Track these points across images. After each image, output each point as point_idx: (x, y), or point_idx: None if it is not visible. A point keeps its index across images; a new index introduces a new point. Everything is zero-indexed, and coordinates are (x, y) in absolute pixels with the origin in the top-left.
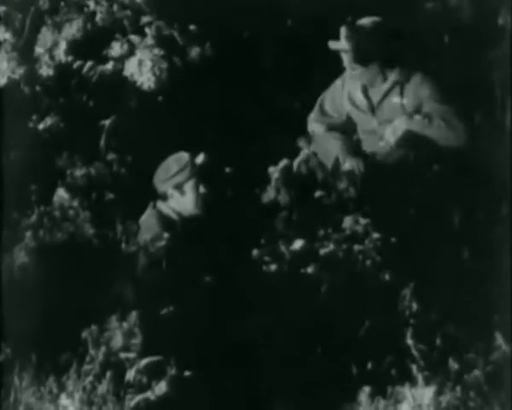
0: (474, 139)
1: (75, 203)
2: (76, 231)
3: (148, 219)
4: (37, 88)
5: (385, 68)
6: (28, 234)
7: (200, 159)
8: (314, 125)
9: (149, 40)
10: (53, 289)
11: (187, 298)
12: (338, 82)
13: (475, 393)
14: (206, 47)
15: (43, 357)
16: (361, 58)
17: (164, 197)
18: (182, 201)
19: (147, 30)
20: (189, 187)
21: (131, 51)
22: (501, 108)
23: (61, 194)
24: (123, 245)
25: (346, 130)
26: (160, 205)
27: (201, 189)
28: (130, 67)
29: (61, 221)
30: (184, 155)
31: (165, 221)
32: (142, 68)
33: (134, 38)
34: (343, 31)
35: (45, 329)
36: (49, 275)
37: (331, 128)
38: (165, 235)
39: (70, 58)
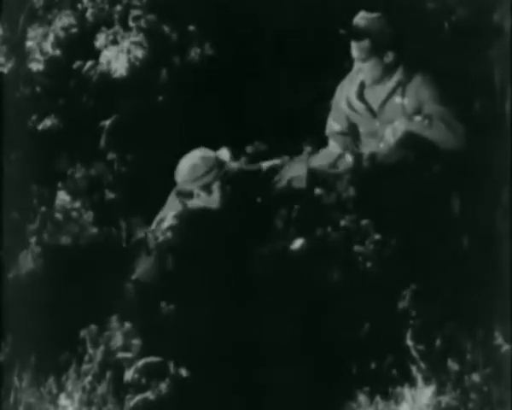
0: (474, 132)
1: (77, 204)
2: (78, 232)
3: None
4: (37, 88)
5: (397, 62)
6: (31, 235)
7: (225, 155)
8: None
9: (134, 32)
10: (54, 290)
11: (188, 298)
12: (337, 93)
13: (475, 393)
14: (205, 47)
15: (43, 357)
16: (380, 46)
17: (189, 195)
18: (208, 199)
19: (132, 23)
20: (216, 186)
21: (115, 42)
22: (501, 97)
23: (63, 196)
24: (124, 244)
25: (353, 134)
26: (184, 200)
27: (228, 188)
28: (108, 54)
29: (64, 222)
30: (211, 155)
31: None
32: (119, 55)
33: (119, 29)
34: (362, 17)
35: (45, 329)
36: (49, 275)
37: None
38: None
39: (58, 52)
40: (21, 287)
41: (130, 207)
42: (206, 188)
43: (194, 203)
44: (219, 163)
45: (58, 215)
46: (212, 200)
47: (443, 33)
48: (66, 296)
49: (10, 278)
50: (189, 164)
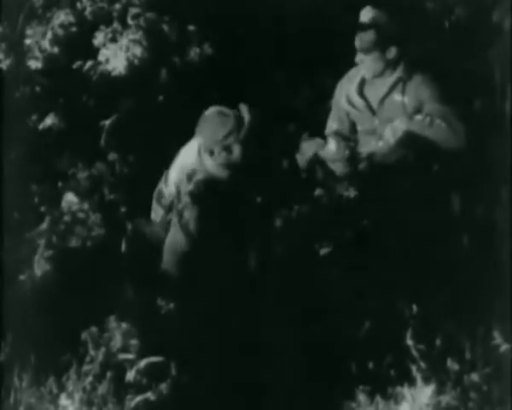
0: (474, 132)
1: (82, 205)
2: (84, 234)
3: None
4: (37, 87)
5: (398, 59)
6: (33, 236)
7: (245, 113)
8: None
9: (133, 30)
10: (54, 289)
11: (191, 296)
12: (336, 92)
13: (475, 393)
14: (204, 47)
15: (43, 357)
16: (384, 39)
17: (211, 153)
18: (229, 157)
19: (131, 21)
20: (237, 146)
21: (113, 40)
22: (501, 96)
23: (70, 198)
24: (125, 244)
25: (351, 132)
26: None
27: (250, 145)
28: (107, 52)
29: (70, 224)
30: (230, 116)
31: None
32: (117, 53)
33: (117, 26)
34: (368, 11)
35: (45, 329)
36: (50, 275)
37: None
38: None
39: (56, 49)
40: (22, 286)
41: (132, 207)
42: (227, 149)
43: (216, 159)
44: (239, 123)
45: (64, 217)
46: (234, 157)
47: (443, 33)
48: (66, 296)
49: (10, 278)
50: (209, 124)
